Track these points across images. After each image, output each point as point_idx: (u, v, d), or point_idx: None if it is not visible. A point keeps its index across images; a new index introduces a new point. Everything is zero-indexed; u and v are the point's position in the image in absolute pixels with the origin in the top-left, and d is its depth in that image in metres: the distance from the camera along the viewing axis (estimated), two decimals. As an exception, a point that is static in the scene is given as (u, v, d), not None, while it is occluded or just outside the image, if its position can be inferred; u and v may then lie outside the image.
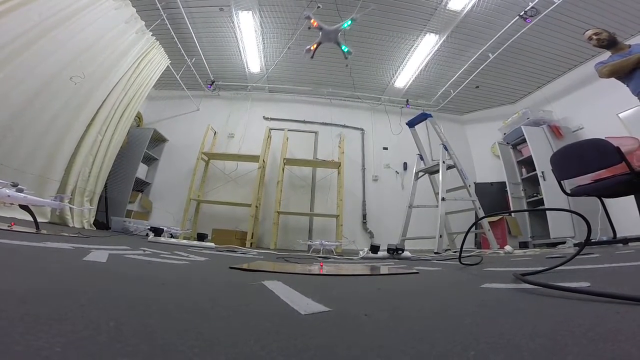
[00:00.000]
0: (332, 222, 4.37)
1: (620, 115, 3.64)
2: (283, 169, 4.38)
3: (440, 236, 2.98)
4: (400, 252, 2.24)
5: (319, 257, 2.19)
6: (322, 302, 0.49)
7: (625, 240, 2.45)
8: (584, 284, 0.62)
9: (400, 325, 0.40)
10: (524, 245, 3.87)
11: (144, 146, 4.36)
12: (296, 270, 1.05)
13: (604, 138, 2.41)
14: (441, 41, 4.21)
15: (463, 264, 1.30)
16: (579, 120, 4.27)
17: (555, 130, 4.21)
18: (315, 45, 3.49)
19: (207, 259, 1.31)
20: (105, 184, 3.61)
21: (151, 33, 3.82)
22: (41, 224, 2.18)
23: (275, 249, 3.65)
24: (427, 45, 4.33)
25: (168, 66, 4.34)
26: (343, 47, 3.55)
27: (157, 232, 2.52)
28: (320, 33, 3.42)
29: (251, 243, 3.82)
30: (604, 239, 3.14)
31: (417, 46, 4.36)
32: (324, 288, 0.71)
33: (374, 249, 2.29)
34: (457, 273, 1.08)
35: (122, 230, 3.31)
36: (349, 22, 3.40)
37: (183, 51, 4.38)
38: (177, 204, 4.39)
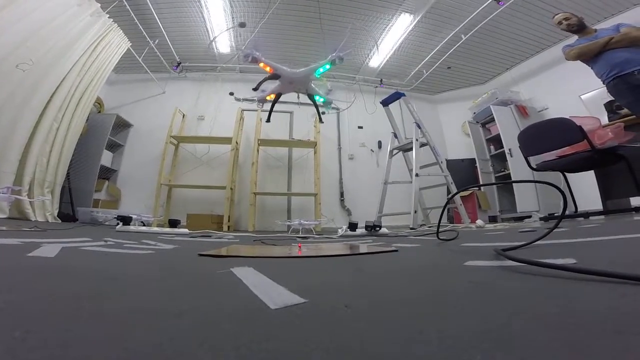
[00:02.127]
0: (310, 202, 4.34)
1: (582, 97, 3.79)
2: (258, 150, 4.25)
3: (415, 212, 3.02)
4: (378, 228, 2.23)
5: (298, 237, 2.13)
6: (297, 291, 0.42)
7: (587, 214, 2.57)
8: (569, 260, 0.59)
9: (384, 316, 0.34)
10: (492, 219, 4.02)
11: (107, 132, 4.12)
12: (272, 253, 0.98)
13: (568, 117, 2.50)
14: (416, 21, 4.13)
15: (440, 239, 1.29)
16: (544, 100, 4.42)
17: (522, 110, 4.34)
18: (273, 96, 2.51)
19: (176, 247, 1.21)
20: (68, 173, 3.38)
21: (108, 15, 3.53)
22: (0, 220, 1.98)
23: (253, 231, 3.56)
24: (401, 25, 4.24)
25: (129, 49, 4.03)
26: (317, 98, 2.52)
27: (126, 220, 2.36)
28: (279, 81, 2.36)
29: (228, 226, 3.71)
30: (566, 213, 3.31)
31: (392, 26, 4.26)
32: (300, 273, 0.65)
33: (352, 226, 2.26)
34: (437, 249, 1.06)
35: (90, 221, 3.11)
36: (328, 66, 2.36)
37: (145, 33, 4.06)
38: (147, 190, 4.17)
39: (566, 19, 2.62)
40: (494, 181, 4.41)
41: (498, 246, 1.01)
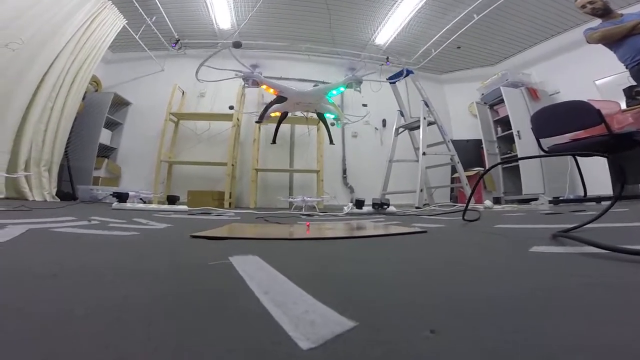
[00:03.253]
0: (312, 178, 4.18)
1: (597, 82, 3.55)
2: (259, 127, 4.03)
3: (421, 190, 2.86)
4: (386, 207, 2.06)
5: (303, 214, 1.97)
6: (333, 303, 0.25)
7: (598, 199, 2.40)
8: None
9: (523, 352, 0.16)
10: (496, 200, 3.86)
11: (104, 111, 3.93)
12: (279, 234, 0.81)
13: (586, 100, 2.31)
14: (428, -3, 3.80)
15: (465, 220, 1.13)
16: (556, 84, 4.19)
17: (533, 93, 4.11)
18: (278, 113, 2.28)
19: (168, 226, 1.03)
20: (66, 152, 3.26)
21: (101, -8, 3.31)
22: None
23: (255, 207, 3.41)
24: (411, 1, 3.90)
25: (125, 26, 3.76)
26: (327, 115, 2.36)
27: (122, 197, 2.18)
28: (285, 102, 2.13)
29: (230, 203, 3.56)
30: (571, 197, 3.14)
31: (401, 2, 3.92)
32: (323, 264, 0.47)
33: (359, 203, 2.09)
34: (472, 231, 0.88)
35: (90, 199, 2.98)
36: (342, 88, 2.20)
37: (141, 10, 3.76)
38: (147, 167, 4.02)
39: (591, 2, 2.41)
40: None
41: (531, 228, 0.87)
